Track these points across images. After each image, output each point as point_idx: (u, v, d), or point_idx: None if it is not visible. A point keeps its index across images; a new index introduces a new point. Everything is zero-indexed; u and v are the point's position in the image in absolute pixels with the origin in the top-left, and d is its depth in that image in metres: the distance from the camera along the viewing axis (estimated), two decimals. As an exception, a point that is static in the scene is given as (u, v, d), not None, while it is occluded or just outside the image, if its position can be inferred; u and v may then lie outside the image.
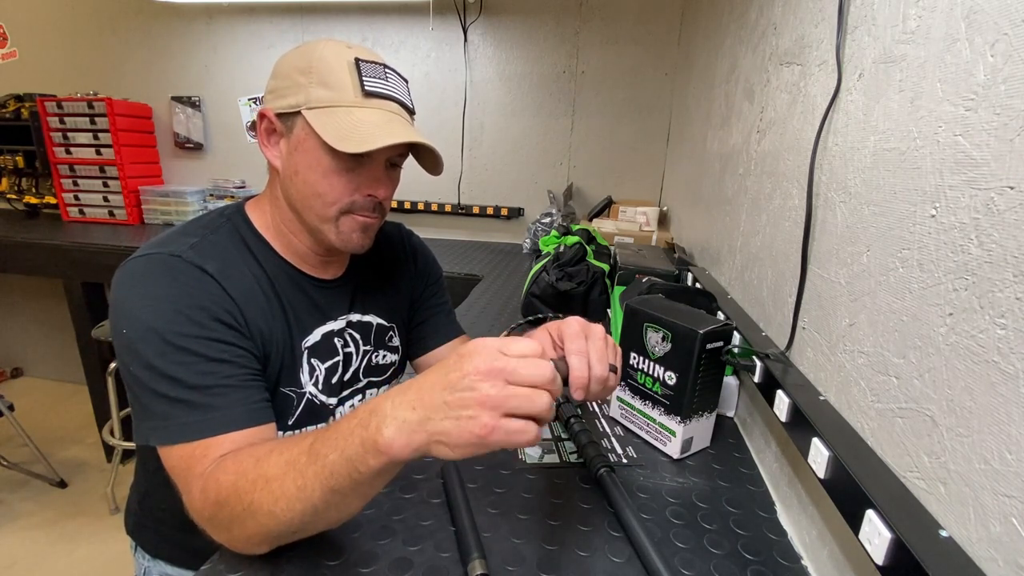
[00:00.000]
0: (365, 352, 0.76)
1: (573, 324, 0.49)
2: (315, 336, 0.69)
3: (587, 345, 0.47)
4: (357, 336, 0.74)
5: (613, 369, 0.49)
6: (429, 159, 0.66)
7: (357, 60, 0.60)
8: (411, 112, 0.66)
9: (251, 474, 0.46)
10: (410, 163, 0.73)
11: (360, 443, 0.40)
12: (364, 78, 0.60)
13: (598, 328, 0.50)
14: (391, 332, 0.80)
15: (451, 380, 0.38)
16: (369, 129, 0.58)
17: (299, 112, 0.59)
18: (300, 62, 0.60)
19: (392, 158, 0.66)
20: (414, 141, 0.60)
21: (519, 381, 0.38)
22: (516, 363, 0.38)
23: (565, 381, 0.45)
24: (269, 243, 0.67)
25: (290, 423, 0.65)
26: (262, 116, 0.63)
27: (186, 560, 0.73)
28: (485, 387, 0.37)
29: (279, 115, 0.61)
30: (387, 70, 0.63)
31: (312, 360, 0.68)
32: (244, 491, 0.45)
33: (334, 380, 0.70)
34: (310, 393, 0.67)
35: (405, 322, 0.83)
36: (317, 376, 0.68)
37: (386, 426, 0.39)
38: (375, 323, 0.77)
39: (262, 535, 0.46)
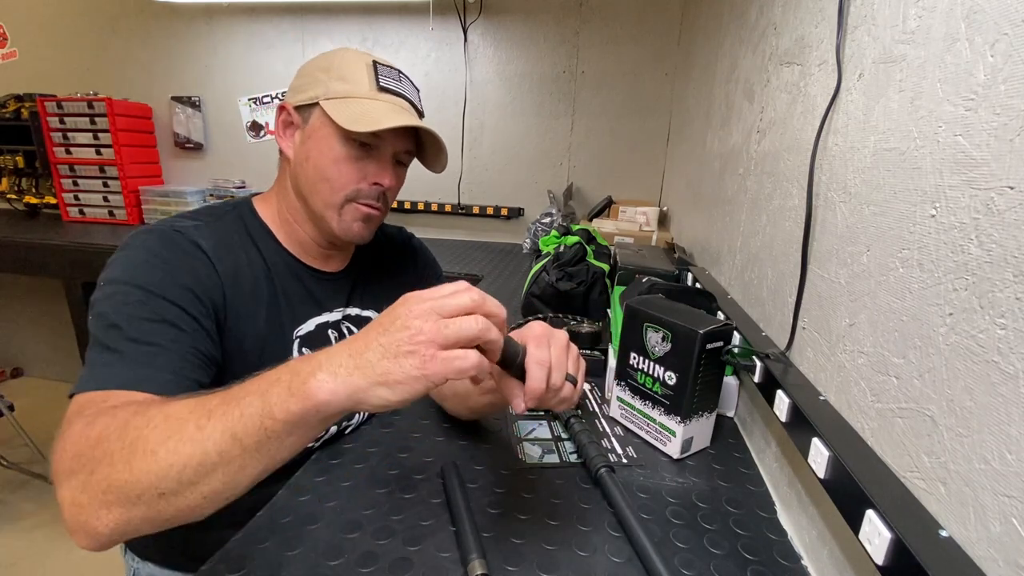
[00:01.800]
0: None
1: (536, 328, 0.48)
2: (308, 326, 0.70)
3: (549, 353, 0.46)
4: (354, 330, 0.75)
5: (572, 380, 0.47)
6: (433, 156, 0.70)
7: (375, 62, 0.66)
8: (420, 115, 0.70)
9: (151, 411, 0.41)
10: (411, 165, 0.74)
11: (287, 387, 0.37)
12: (380, 76, 0.65)
13: (561, 335, 0.48)
14: None
15: (383, 324, 0.39)
16: (380, 114, 0.62)
17: (317, 103, 0.64)
18: (322, 63, 0.66)
19: (399, 155, 0.69)
20: (424, 127, 0.65)
21: (449, 312, 0.38)
22: (444, 300, 0.39)
23: (517, 368, 0.44)
24: (272, 233, 0.69)
25: None
26: (282, 109, 0.67)
27: (174, 561, 0.73)
28: (418, 323, 0.37)
29: (297, 108, 0.66)
30: (401, 74, 0.69)
31: (303, 349, 0.69)
32: (134, 426, 0.39)
33: None
34: None
35: None
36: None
37: (320, 371, 0.37)
38: (374, 319, 0.77)
39: (123, 486, 0.38)
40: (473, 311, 0.39)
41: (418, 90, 0.72)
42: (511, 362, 0.44)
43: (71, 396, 0.48)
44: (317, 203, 0.66)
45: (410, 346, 0.37)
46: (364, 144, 0.64)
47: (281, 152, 0.70)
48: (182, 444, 0.37)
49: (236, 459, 0.38)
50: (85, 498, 0.39)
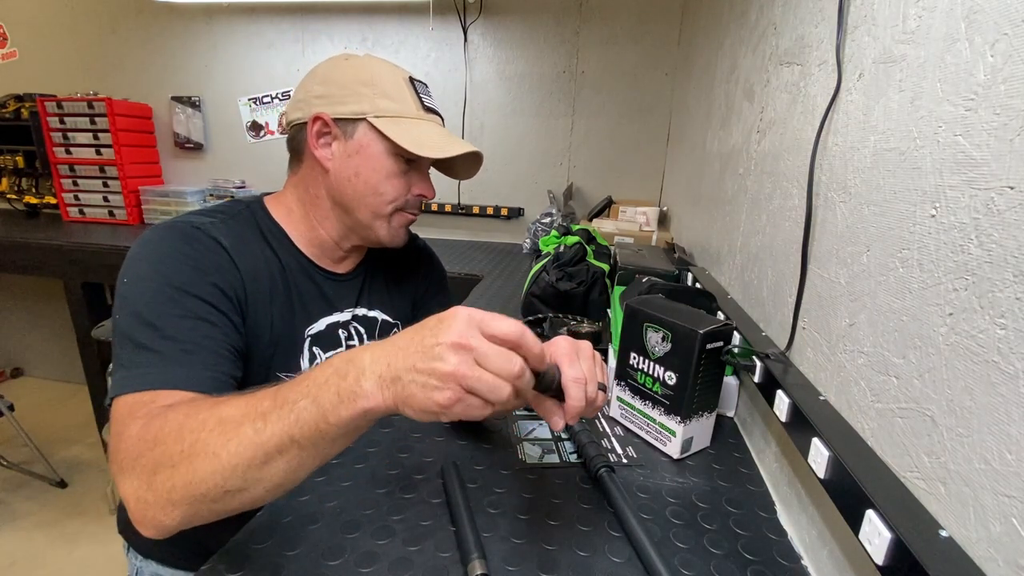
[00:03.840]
0: None
1: (563, 345, 0.47)
2: (319, 325, 0.71)
3: (582, 369, 0.45)
4: (361, 330, 0.76)
5: (602, 388, 0.48)
6: (466, 170, 0.76)
7: (411, 79, 0.69)
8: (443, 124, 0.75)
9: (203, 414, 0.43)
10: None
11: (336, 392, 0.39)
12: (421, 95, 0.69)
13: (586, 346, 0.48)
14: (395, 329, 0.82)
15: (425, 346, 0.37)
16: (439, 140, 0.67)
17: (362, 119, 0.65)
18: (361, 75, 0.66)
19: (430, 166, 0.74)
20: (478, 151, 0.70)
21: (487, 367, 0.37)
22: (488, 349, 0.37)
23: (555, 390, 0.44)
24: (286, 233, 0.70)
25: None
26: (317, 119, 0.66)
27: (177, 560, 0.73)
28: (454, 361, 0.36)
29: (336, 120, 0.66)
30: (427, 87, 0.73)
31: (314, 348, 0.71)
32: (190, 430, 0.42)
33: None
34: None
35: (408, 320, 0.84)
36: (317, 364, 0.70)
37: (365, 379, 0.38)
38: (380, 319, 0.79)
39: (188, 486, 0.41)
40: (510, 380, 0.38)
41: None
42: (548, 386, 0.44)
43: (113, 397, 0.50)
44: (365, 215, 0.69)
45: (439, 381, 0.36)
46: (408, 159, 0.68)
47: (302, 158, 0.70)
48: (244, 447, 0.40)
49: (295, 457, 0.40)
50: (151, 496, 0.42)
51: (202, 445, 0.41)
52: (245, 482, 0.40)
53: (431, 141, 0.66)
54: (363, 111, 0.65)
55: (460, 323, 0.38)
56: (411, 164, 0.69)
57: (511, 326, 0.38)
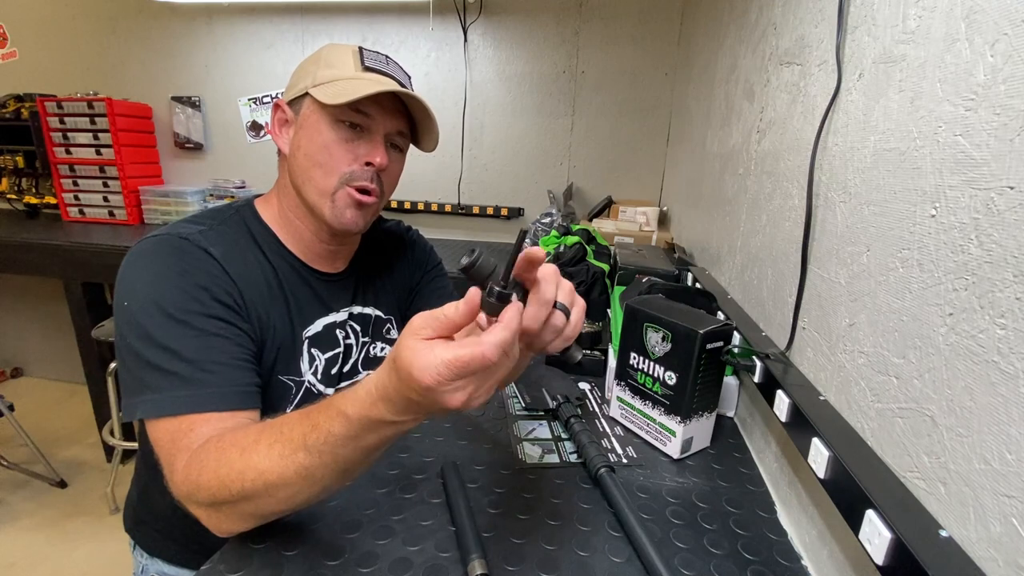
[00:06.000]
0: (363, 344, 0.77)
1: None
2: (316, 327, 0.71)
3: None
4: (357, 328, 0.76)
5: (564, 310, 0.44)
6: (425, 131, 0.69)
7: (360, 48, 0.66)
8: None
9: (237, 464, 0.45)
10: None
11: (380, 438, 0.42)
12: (365, 58, 0.65)
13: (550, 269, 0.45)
14: (389, 324, 0.82)
15: (425, 404, 0.38)
16: (361, 87, 0.61)
17: (305, 94, 0.64)
18: (312, 57, 0.67)
19: (391, 136, 0.67)
20: (405, 92, 0.62)
21: (470, 369, 0.36)
22: (456, 368, 0.35)
23: (485, 279, 0.40)
24: (276, 235, 0.69)
25: (288, 411, 0.66)
26: (276, 107, 0.67)
27: (183, 558, 0.73)
28: (457, 397, 0.37)
29: (290, 103, 0.66)
30: (389, 59, 0.68)
31: (312, 350, 0.70)
32: (231, 480, 0.45)
33: (333, 371, 0.72)
34: (309, 382, 0.69)
35: (402, 315, 0.84)
36: (316, 366, 0.70)
37: (402, 426, 0.42)
38: (374, 315, 0.79)
39: (253, 515, 0.48)
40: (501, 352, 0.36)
41: (409, 76, 0.70)
42: (481, 272, 0.40)
43: (146, 418, 0.53)
44: (311, 192, 0.64)
45: (458, 407, 0.38)
46: (354, 126, 0.63)
47: (280, 152, 0.69)
48: (300, 490, 0.45)
49: (337, 482, 0.46)
50: (219, 517, 0.49)
51: (251, 492, 0.45)
52: (308, 502, 0.48)
53: (350, 90, 0.60)
54: (305, 86, 0.64)
55: (426, 376, 0.35)
56: (358, 132, 0.64)
57: (465, 351, 0.36)
